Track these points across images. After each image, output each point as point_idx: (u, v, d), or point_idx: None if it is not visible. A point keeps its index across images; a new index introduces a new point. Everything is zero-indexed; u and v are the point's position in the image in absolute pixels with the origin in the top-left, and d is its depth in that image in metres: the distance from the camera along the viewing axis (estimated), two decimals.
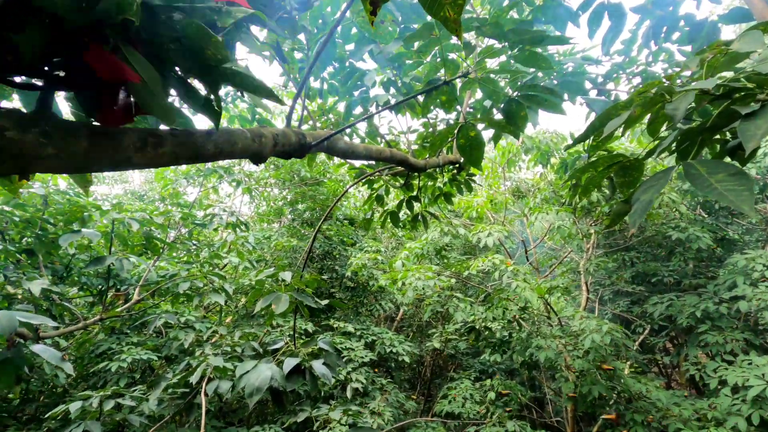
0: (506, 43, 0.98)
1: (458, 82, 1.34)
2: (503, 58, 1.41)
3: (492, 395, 6.05)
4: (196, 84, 0.71)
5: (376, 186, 3.47)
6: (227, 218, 3.32)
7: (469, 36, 1.18)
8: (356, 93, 2.30)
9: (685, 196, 6.87)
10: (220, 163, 5.95)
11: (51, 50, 0.50)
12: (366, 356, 5.44)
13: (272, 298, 2.10)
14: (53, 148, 0.45)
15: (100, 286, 4.27)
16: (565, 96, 1.82)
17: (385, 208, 3.42)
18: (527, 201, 6.56)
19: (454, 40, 1.06)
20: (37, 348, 1.42)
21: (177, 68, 0.65)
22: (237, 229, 3.49)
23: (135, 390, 3.07)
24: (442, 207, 3.83)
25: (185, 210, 3.39)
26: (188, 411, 3.08)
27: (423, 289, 4.81)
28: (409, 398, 6.60)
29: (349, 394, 4.19)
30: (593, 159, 1.18)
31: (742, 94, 0.82)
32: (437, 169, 2.99)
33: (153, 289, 3.10)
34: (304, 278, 2.20)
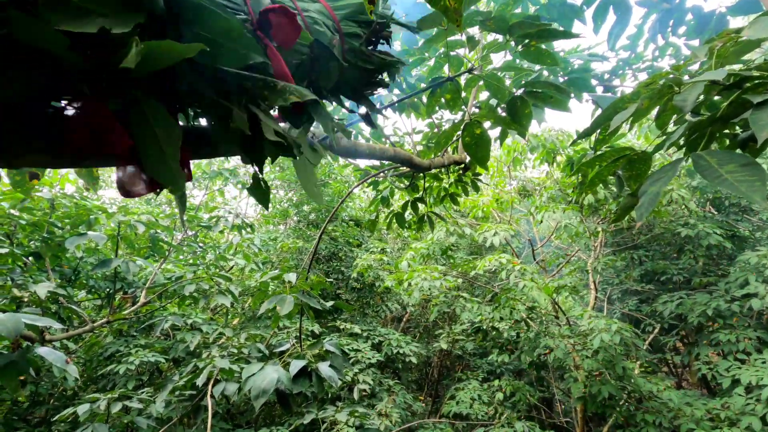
0: (511, 38, 0.97)
1: (462, 80, 1.32)
2: (509, 56, 1.39)
3: (500, 396, 6.00)
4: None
5: (381, 187, 3.46)
6: (233, 220, 3.33)
7: (474, 31, 1.16)
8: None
9: (694, 193, 6.78)
10: (226, 165, 5.98)
11: (47, 95, 0.43)
12: (373, 357, 5.42)
13: (277, 300, 2.09)
14: (43, 144, 0.44)
15: (107, 289, 4.29)
16: (571, 93, 1.80)
17: (391, 210, 3.41)
18: (533, 200, 6.51)
19: (458, 35, 1.05)
20: (42, 351, 1.42)
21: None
22: (242, 231, 3.49)
23: (143, 392, 3.08)
24: (447, 207, 3.82)
25: (191, 212, 3.39)
26: (195, 413, 3.09)
27: (429, 289, 4.79)
28: (417, 399, 6.57)
29: (356, 395, 4.17)
30: (599, 152, 1.16)
31: (755, 83, 0.80)
32: (443, 170, 2.97)
33: (159, 292, 3.11)
34: (310, 280, 2.19)
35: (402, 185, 3.36)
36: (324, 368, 2.41)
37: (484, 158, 1.44)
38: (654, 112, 1.12)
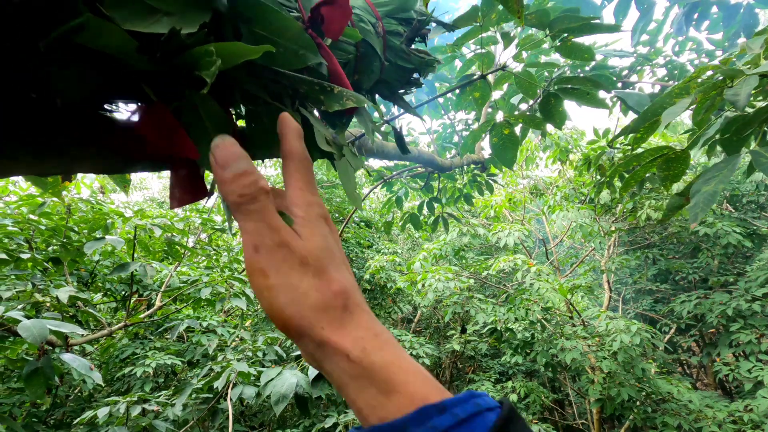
0: (550, 33, 0.93)
1: (490, 77, 1.29)
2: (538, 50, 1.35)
3: (514, 397, 5.94)
4: None
5: (395, 188, 3.43)
6: None
7: (508, 26, 1.13)
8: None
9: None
10: None
11: (103, 96, 0.39)
12: None
13: None
14: (96, 149, 0.41)
15: (123, 292, 4.32)
16: (609, 89, 1.75)
17: (405, 211, 3.39)
18: (546, 199, 6.44)
19: (491, 32, 1.02)
20: (66, 357, 1.41)
21: None
22: None
23: (160, 395, 3.08)
24: (460, 207, 3.78)
25: (204, 215, 3.39)
26: (213, 416, 3.08)
27: (443, 290, 4.75)
28: None
29: None
30: (637, 152, 1.12)
31: None
32: (457, 170, 2.94)
33: (175, 295, 3.11)
34: None
35: (416, 186, 3.33)
36: None
37: (511, 159, 1.41)
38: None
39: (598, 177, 3.64)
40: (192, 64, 0.34)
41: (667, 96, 0.89)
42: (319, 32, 0.54)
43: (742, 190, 7.20)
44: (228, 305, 3.04)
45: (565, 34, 0.99)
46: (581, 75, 1.19)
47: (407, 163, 3.11)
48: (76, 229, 2.50)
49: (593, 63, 2.20)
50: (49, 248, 2.58)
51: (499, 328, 5.37)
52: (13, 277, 2.11)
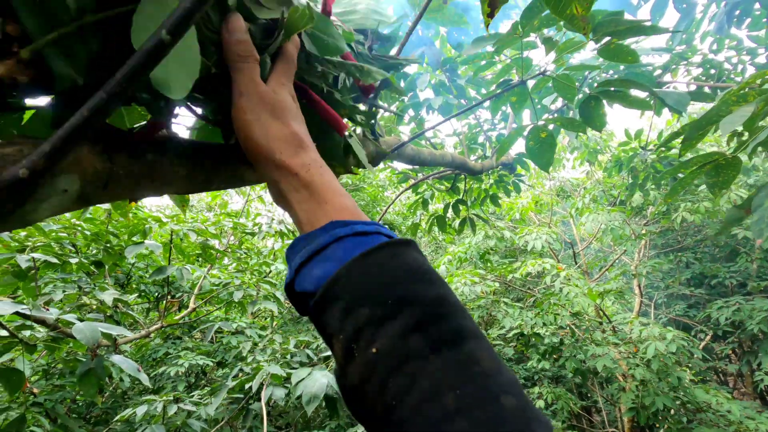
0: (594, 37, 0.92)
1: (529, 81, 1.28)
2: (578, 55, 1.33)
3: (541, 403, 5.82)
4: None
5: (421, 190, 3.43)
6: (275, 226, 3.39)
7: (549, 31, 1.12)
8: (405, 98, 2.27)
9: (750, 191, 6.38)
10: None
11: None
12: None
13: None
14: (185, 169, 0.43)
15: (156, 293, 4.46)
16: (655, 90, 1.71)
17: (431, 213, 3.38)
18: (574, 201, 6.30)
19: (532, 37, 1.01)
20: (116, 358, 1.47)
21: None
22: (284, 237, 3.55)
23: (194, 395, 3.16)
24: (485, 209, 3.75)
25: (235, 219, 3.47)
26: (245, 416, 3.15)
27: (468, 294, 4.71)
28: None
29: None
30: (685, 159, 1.09)
31: None
32: (481, 174, 2.92)
33: (207, 298, 3.19)
34: None
35: (442, 187, 3.32)
36: None
37: (547, 162, 1.39)
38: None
39: (630, 179, 3.55)
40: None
41: (723, 104, 0.86)
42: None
43: None
44: (257, 307, 3.10)
45: (609, 38, 0.98)
46: (622, 77, 1.16)
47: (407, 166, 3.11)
48: (116, 233, 2.60)
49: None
50: (92, 252, 2.69)
51: (525, 333, 5.28)
52: (59, 280, 2.21)
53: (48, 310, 1.37)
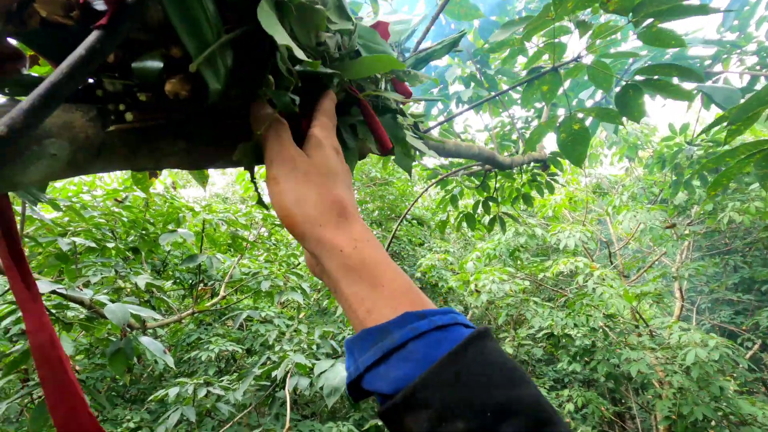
0: (633, 20, 0.86)
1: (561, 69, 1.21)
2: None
3: (570, 407, 5.65)
4: None
5: (449, 186, 3.37)
6: None
7: (584, 15, 1.06)
8: (435, 90, 2.23)
9: None
10: None
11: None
12: None
13: None
14: (184, 143, 0.43)
15: (190, 281, 4.63)
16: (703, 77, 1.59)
17: (460, 210, 3.31)
18: (611, 199, 6.04)
19: (565, 21, 0.95)
20: (144, 340, 1.52)
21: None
22: None
23: (223, 380, 3.27)
24: (516, 207, 3.64)
25: (265, 211, 3.54)
26: (271, 403, 3.23)
27: (497, 292, 4.61)
28: None
29: None
30: (731, 148, 1.00)
31: None
32: (515, 169, 2.83)
33: (237, 286, 3.27)
34: None
35: (472, 184, 3.25)
36: None
37: (580, 157, 1.32)
38: None
39: (674, 177, 3.35)
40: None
41: None
42: None
43: None
44: (285, 297, 3.16)
45: (651, 20, 0.91)
46: (666, 62, 1.08)
47: (463, 161, 3.05)
48: (152, 221, 2.71)
49: (669, 53, 2.01)
50: (129, 239, 2.82)
51: (555, 333, 5.12)
52: (99, 263, 2.33)
53: (82, 290, 1.44)
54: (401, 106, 0.70)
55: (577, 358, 5.17)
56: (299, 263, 4.61)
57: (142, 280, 2.04)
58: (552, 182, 3.01)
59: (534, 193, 3.20)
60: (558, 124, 1.26)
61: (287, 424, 2.21)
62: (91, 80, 0.36)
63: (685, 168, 3.17)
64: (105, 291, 2.05)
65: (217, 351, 4.19)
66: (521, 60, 2.03)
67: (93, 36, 0.27)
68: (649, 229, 4.51)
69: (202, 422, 4.13)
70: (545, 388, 6.59)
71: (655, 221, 4.70)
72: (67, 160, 0.33)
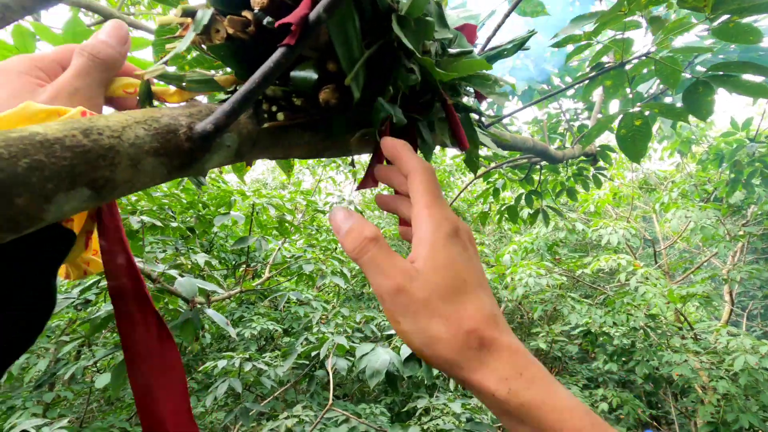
0: (711, 15, 0.85)
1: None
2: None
3: (604, 407, 5.55)
4: None
5: (492, 179, 3.36)
6: (346, 206, 3.53)
7: (658, 10, 1.04)
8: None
9: None
10: None
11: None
12: None
13: None
14: (308, 135, 0.49)
15: (233, 261, 4.86)
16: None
17: (502, 202, 3.30)
18: (659, 195, 5.79)
19: (636, 16, 0.95)
20: (210, 312, 1.65)
21: None
22: None
23: (265, 356, 3.44)
24: (557, 202, 3.58)
25: (308, 197, 3.66)
26: (309, 381, 3.38)
27: (534, 286, 4.57)
28: None
29: (452, 386, 4.18)
30: None
31: None
32: (561, 163, 2.78)
33: (281, 268, 3.42)
34: None
35: (515, 176, 3.22)
36: None
37: (640, 153, 1.31)
38: None
39: (732, 174, 3.19)
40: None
41: None
42: None
43: None
44: (326, 281, 3.28)
45: (728, 16, 0.89)
46: (739, 60, 1.05)
47: (506, 154, 3.02)
48: (207, 204, 2.88)
49: (733, 45, 1.91)
50: (186, 219, 3.01)
51: (593, 331, 5.02)
52: (161, 241, 2.51)
53: (158, 264, 1.57)
54: (474, 103, 0.74)
55: (615, 357, 5.06)
56: (337, 247, 4.75)
57: (201, 258, 2.19)
58: (600, 176, 2.95)
59: (578, 188, 3.14)
60: (618, 121, 1.25)
61: (330, 401, 2.33)
62: None
63: (744, 165, 3.02)
64: (167, 267, 2.22)
65: (259, 329, 4.41)
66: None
67: (279, 52, 0.33)
68: (700, 228, 4.31)
69: (241, 395, 4.37)
70: (578, 386, 6.48)
71: (706, 220, 4.48)
72: (235, 150, 0.40)
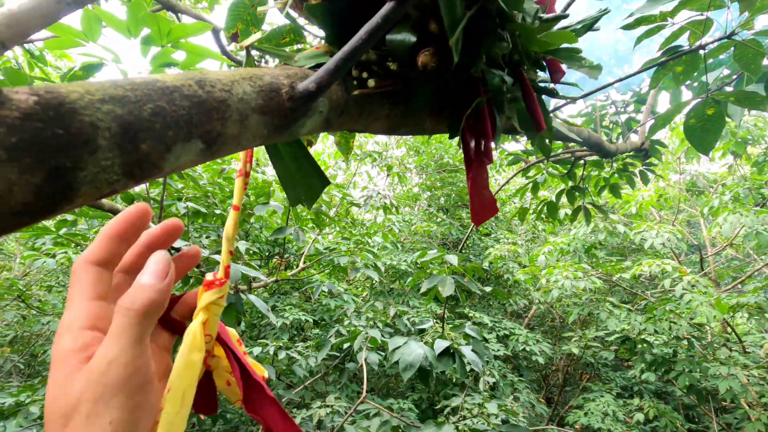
0: None
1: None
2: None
3: (640, 417, 5.32)
4: None
5: (531, 174, 3.26)
6: (382, 200, 3.52)
7: None
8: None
9: None
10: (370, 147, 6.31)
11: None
12: (499, 350, 5.27)
13: (437, 281, 2.14)
14: (387, 109, 0.47)
15: (267, 252, 4.95)
16: None
17: (543, 199, 3.20)
18: (708, 199, 5.47)
19: None
20: (252, 297, 1.68)
21: None
22: (387, 212, 3.67)
23: (298, 346, 3.49)
24: (596, 200, 3.44)
25: (343, 191, 3.67)
26: (340, 373, 3.40)
27: (569, 289, 4.42)
28: (538, 401, 6.21)
29: (482, 386, 4.11)
30: None
31: None
32: (613, 157, 2.66)
33: (315, 260, 3.45)
34: (467, 265, 2.19)
35: (557, 172, 3.11)
36: (467, 351, 2.41)
37: (709, 145, 1.22)
38: None
39: None
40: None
41: None
42: None
43: None
44: (359, 273, 3.28)
45: None
46: None
47: (571, 144, 2.91)
48: (248, 193, 2.94)
49: None
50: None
51: (631, 338, 4.82)
52: (204, 228, 2.58)
53: (205, 248, 1.61)
54: (551, 86, 0.69)
55: (654, 367, 4.83)
56: (370, 243, 4.75)
57: (243, 245, 2.24)
58: (648, 172, 2.80)
59: (624, 185, 3.00)
60: (688, 109, 1.17)
61: (364, 393, 2.33)
62: None
63: None
64: (210, 252, 2.27)
65: (291, 319, 4.48)
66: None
67: (387, 6, 0.31)
68: (755, 234, 4.04)
69: (273, 383, 4.46)
70: (611, 394, 6.25)
71: (762, 226, 4.19)
72: (325, 117, 0.38)
